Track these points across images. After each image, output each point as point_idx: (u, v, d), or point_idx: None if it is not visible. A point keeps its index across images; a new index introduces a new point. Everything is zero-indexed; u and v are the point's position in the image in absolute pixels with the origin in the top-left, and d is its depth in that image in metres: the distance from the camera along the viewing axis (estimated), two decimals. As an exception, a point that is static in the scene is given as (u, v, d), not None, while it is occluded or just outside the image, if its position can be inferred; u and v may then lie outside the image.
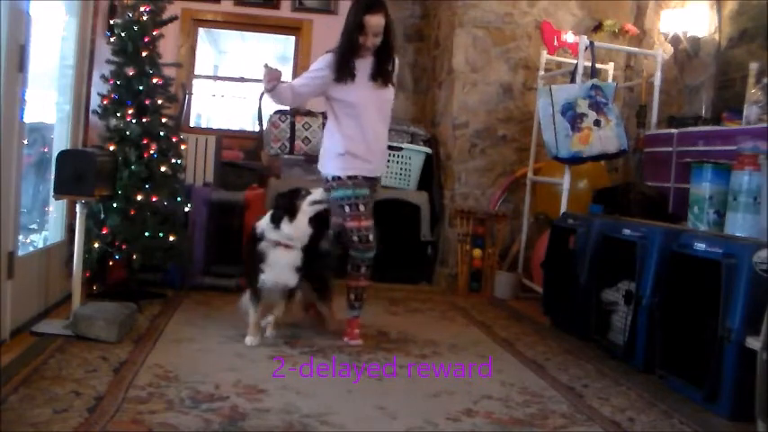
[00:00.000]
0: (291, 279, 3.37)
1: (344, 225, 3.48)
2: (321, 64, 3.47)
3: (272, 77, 3.30)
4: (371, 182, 3.58)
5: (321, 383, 2.84)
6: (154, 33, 4.12)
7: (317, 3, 6.46)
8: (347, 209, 3.46)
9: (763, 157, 3.31)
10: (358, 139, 3.48)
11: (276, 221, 3.34)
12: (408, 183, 5.40)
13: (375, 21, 3.34)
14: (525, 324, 4.22)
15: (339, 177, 3.48)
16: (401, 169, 5.37)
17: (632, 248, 3.37)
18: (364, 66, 3.46)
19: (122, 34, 4.03)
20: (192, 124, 6.70)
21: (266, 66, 3.31)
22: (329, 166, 3.54)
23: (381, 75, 3.48)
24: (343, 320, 3.58)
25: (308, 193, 3.42)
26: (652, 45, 5.27)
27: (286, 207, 3.36)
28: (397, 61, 3.61)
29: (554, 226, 4.32)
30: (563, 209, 4.48)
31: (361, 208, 3.47)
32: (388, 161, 5.22)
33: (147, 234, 4.00)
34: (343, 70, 3.42)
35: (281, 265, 3.33)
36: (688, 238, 3.11)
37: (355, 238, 3.45)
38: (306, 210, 3.38)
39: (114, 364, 2.84)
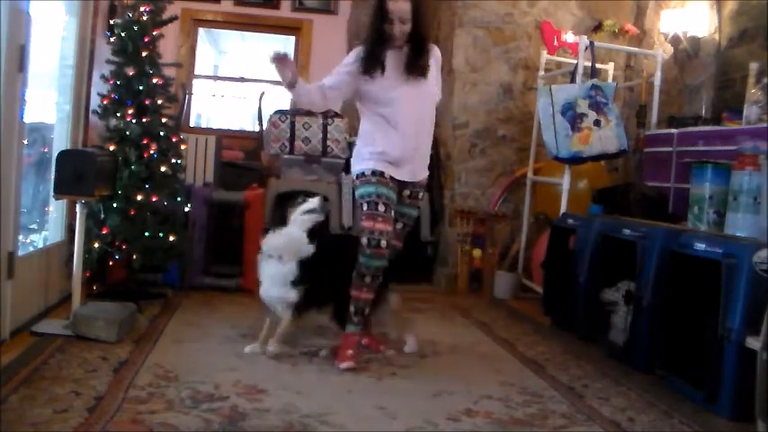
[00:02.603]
0: (285, 293, 3.13)
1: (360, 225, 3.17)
2: (350, 58, 3.18)
3: (284, 65, 2.97)
4: (402, 186, 3.22)
5: (321, 383, 2.84)
6: (154, 33, 4.12)
7: (317, 3, 6.46)
8: (365, 206, 3.12)
9: (763, 157, 3.31)
10: (390, 140, 3.14)
11: (265, 231, 3.13)
12: (408, 183, 5.39)
13: (398, 6, 3.05)
14: (525, 324, 4.22)
15: (363, 174, 3.16)
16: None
17: (632, 248, 3.37)
18: (398, 58, 3.15)
19: (122, 34, 4.03)
20: (192, 124, 6.70)
21: (275, 55, 2.97)
22: (356, 166, 3.24)
23: (415, 66, 3.13)
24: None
25: (305, 200, 3.19)
26: (652, 45, 5.27)
27: (277, 216, 3.07)
28: (437, 52, 3.29)
29: (554, 226, 4.32)
30: (563, 209, 4.48)
31: (381, 208, 3.09)
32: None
33: (147, 234, 4.00)
34: (371, 61, 3.11)
35: (271, 278, 3.13)
36: (688, 238, 3.11)
37: (364, 241, 3.07)
38: (298, 219, 3.16)
39: (114, 364, 2.84)
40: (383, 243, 3.05)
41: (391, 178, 3.15)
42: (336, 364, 3.07)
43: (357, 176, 3.21)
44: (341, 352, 3.12)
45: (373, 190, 3.11)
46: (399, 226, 3.32)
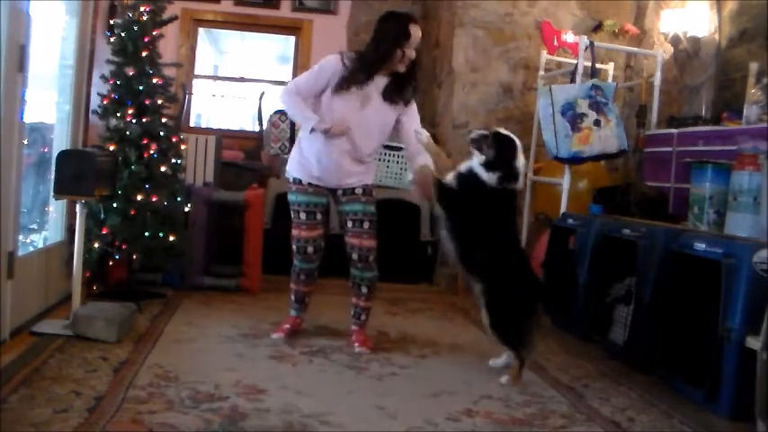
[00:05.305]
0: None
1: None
2: (329, 67, 3.25)
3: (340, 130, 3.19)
4: (328, 191, 3.36)
5: (321, 383, 2.84)
6: (154, 33, 4.12)
7: (316, 3, 6.46)
8: (292, 214, 3.38)
9: (763, 157, 3.32)
10: (320, 152, 3.25)
11: None
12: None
13: (418, 33, 3.20)
14: (525, 324, 4.22)
15: (288, 180, 3.39)
16: (401, 169, 5.37)
17: (632, 248, 3.37)
18: (377, 83, 3.26)
19: (122, 34, 4.03)
20: (192, 124, 6.70)
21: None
22: (288, 166, 3.42)
23: (398, 94, 3.27)
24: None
25: None
26: (652, 45, 5.28)
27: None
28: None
29: (554, 226, 4.32)
30: (563, 209, 4.48)
31: (302, 216, 3.33)
32: (388, 162, 5.24)
33: (147, 234, 4.00)
34: (356, 77, 3.19)
35: None
36: (688, 238, 3.11)
37: (294, 248, 3.38)
38: None
39: (114, 364, 2.84)
40: (309, 249, 3.36)
41: (311, 185, 3.33)
42: (271, 334, 3.41)
43: (287, 180, 3.43)
44: (280, 325, 3.48)
45: (294, 198, 3.37)
46: (351, 225, 3.32)
